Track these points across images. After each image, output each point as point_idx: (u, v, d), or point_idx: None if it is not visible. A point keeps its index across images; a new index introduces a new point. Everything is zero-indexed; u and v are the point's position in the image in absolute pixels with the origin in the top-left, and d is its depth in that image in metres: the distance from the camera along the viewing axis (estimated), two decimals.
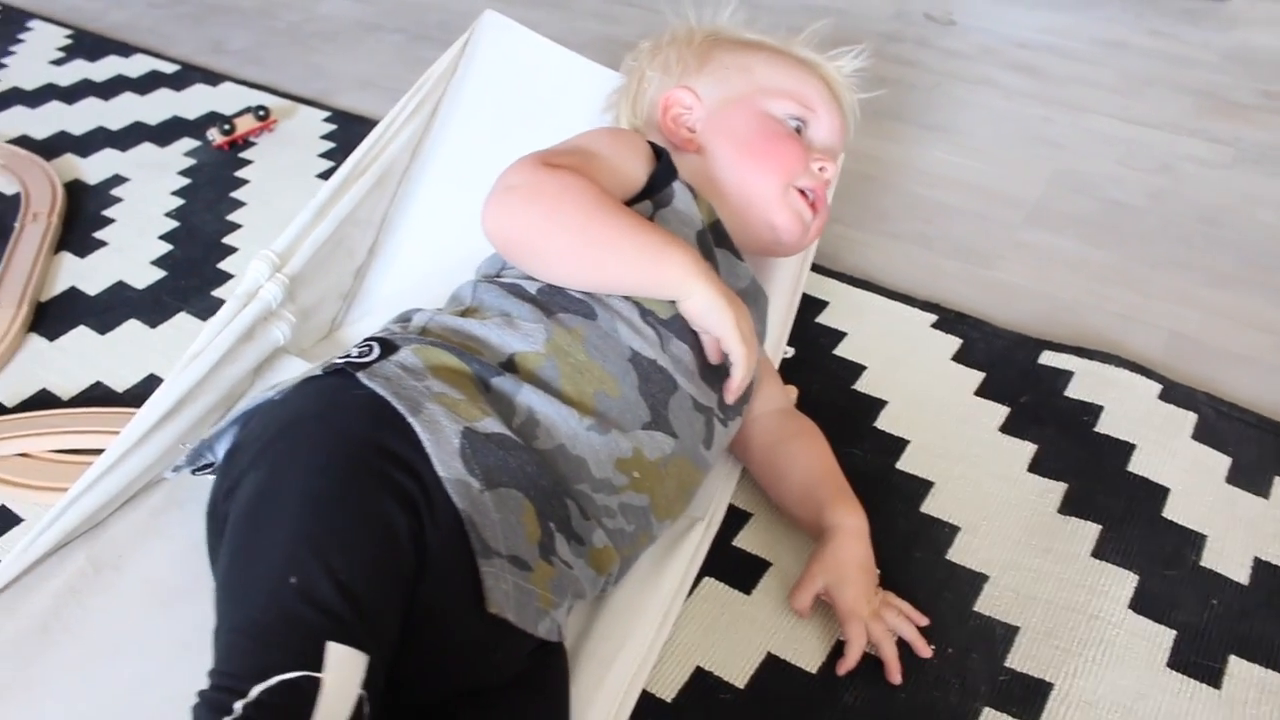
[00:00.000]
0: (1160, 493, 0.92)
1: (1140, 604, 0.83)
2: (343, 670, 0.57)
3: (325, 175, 1.37)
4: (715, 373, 0.82)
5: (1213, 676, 0.78)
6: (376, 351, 0.72)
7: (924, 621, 0.79)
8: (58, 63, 1.70)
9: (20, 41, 1.77)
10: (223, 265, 1.22)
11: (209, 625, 0.71)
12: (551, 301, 0.78)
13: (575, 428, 0.73)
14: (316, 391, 0.71)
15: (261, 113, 1.47)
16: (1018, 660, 0.79)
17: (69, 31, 1.79)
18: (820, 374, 1.05)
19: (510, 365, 0.75)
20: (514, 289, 0.80)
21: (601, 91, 1.07)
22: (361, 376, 0.69)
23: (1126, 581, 0.84)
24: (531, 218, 0.79)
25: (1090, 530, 0.88)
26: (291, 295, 0.93)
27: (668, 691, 0.77)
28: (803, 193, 0.92)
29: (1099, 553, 0.87)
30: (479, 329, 0.76)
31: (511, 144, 1.01)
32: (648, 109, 1.00)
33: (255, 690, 0.55)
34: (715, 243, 0.87)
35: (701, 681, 0.78)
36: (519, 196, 0.79)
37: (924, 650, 0.78)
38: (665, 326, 0.79)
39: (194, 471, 0.78)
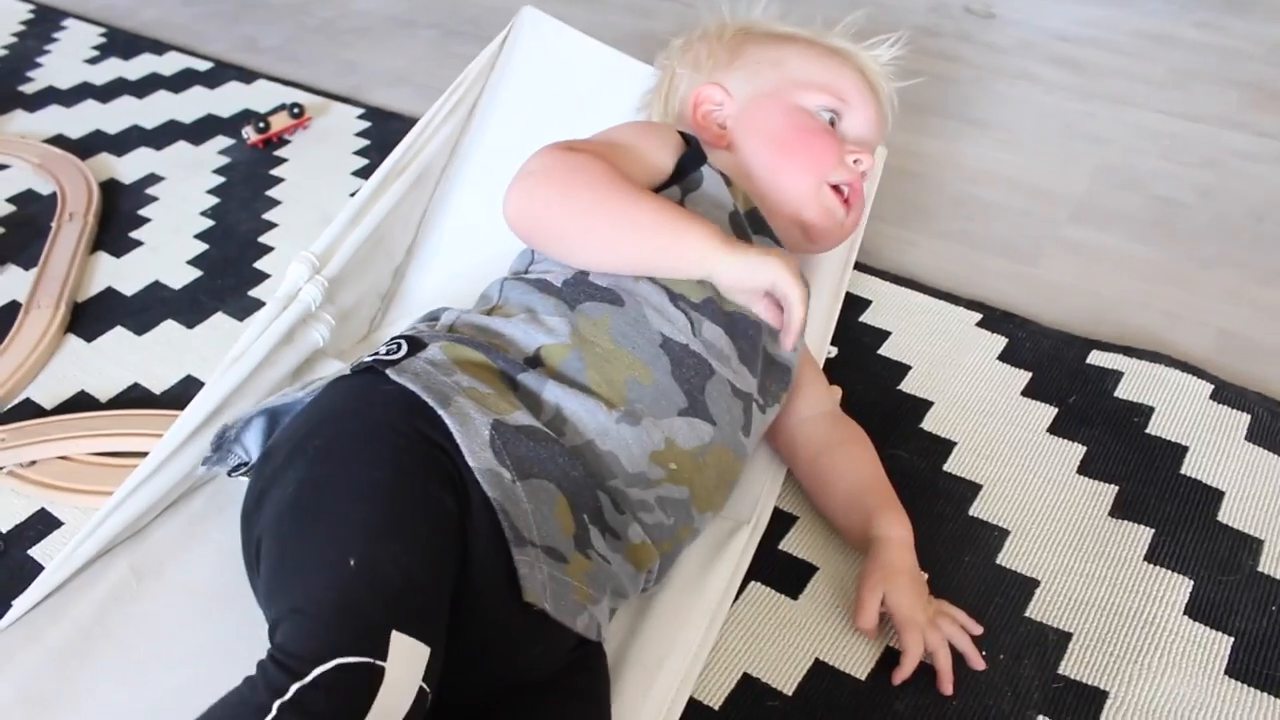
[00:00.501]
0: (1214, 496, 0.89)
1: (1196, 610, 0.81)
2: (406, 661, 0.56)
3: (361, 173, 1.37)
4: (753, 357, 0.80)
5: (1274, 685, 0.76)
6: (404, 349, 0.72)
7: (979, 630, 0.78)
8: (92, 61, 1.70)
9: (55, 40, 1.78)
10: (259, 264, 1.22)
11: (252, 632, 0.71)
12: (577, 293, 0.77)
13: (604, 422, 0.72)
14: (347, 389, 0.71)
15: (296, 110, 1.46)
16: (1071, 667, 0.77)
17: (102, 30, 1.80)
18: (864, 374, 1.03)
19: (535, 361, 0.74)
20: (539, 284, 0.79)
21: (641, 88, 1.06)
22: (390, 373, 0.69)
23: (1181, 587, 0.82)
24: (546, 200, 0.78)
25: (1143, 534, 0.86)
26: (331, 297, 0.93)
27: (715, 699, 0.76)
28: (837, 189, 0.91)
29: (1152, 557, 0.85)
30: (504, 326, 0.76)
31: (550, 141, 1.00)
32: (679, 106, 0.99)
33: (313, 672, 0.53)
34: (753, 229, 0.85)
35: (749, 688, 0.76)
36: (535, 180, 0.79)
37: (978, 663, 0.76)
38: (697, 310, 0.78)
39: (230, 473, 0.78)
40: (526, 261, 0.85)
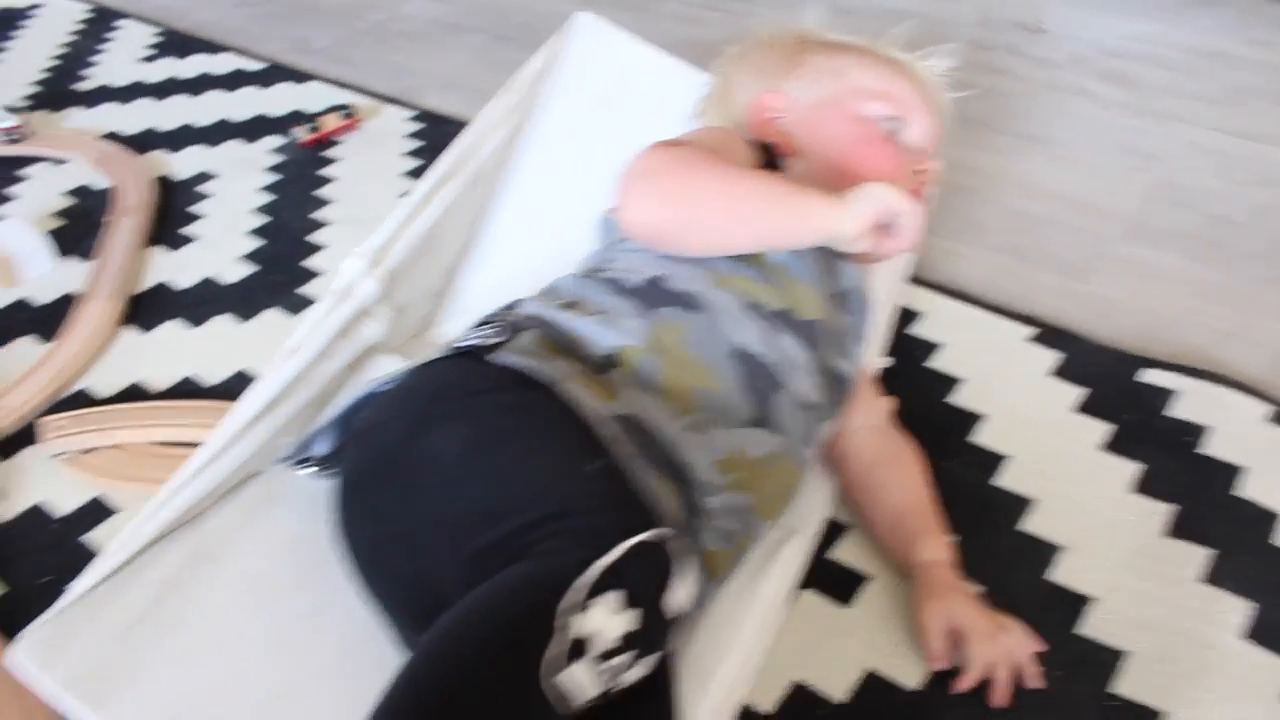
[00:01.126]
0: (1271, 519, 0.88)
1: (1255, 633, 0.79)
2: (677, 543, 0.59)
3: (411, 174, 1.38)
4: (820, 368, 0.80)
5: None
6: (500, 336, 0.73)
7: (1040, 647, 0.77)
8: (148, 60, 1.72)
9: (111, 40, 1.80)
10: (311, 262, 1.23)
11: (307, 619, 0.74)
12: (654, 296, 0.78)
13: (675, 429, 0.72)
14: (452, 367, 0.73)
15: (346, 111, 1.48)
16: (1127, 687, 0.76)
17: (158, 30, 1.82)
18: (915, 386, 1.02)
19: (612, 362, 0.74)
20: (615, 285, 0.79)
21: (696, 94, 1.06)
22: (492, 358, 0.69)
23: (1239, 609, 0.81)
24: (666, 193, 0.79)
25: (1199, 555, 0.85)
26: (386, 293, 0.93)
27: (766, 705, 0.75)
28: None
29: (1209, 578, 0.83)
30: (582, 324, 0.76)
31: (604, 146, 1.00)
32: (738, 113, 0.99)
33: (617, 549, 0.56)
34: None
35: (800, 696, 0.76)
36: (651, 177, 0.79)
37: (1037, 680, 0.75)
38: (772, 320, 0.78)
39: (295, 465, 0.78)
40: (602, 260, 0.85)
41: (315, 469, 0.79)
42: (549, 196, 1.06)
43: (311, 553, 0.78)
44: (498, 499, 0.63)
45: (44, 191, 1.38)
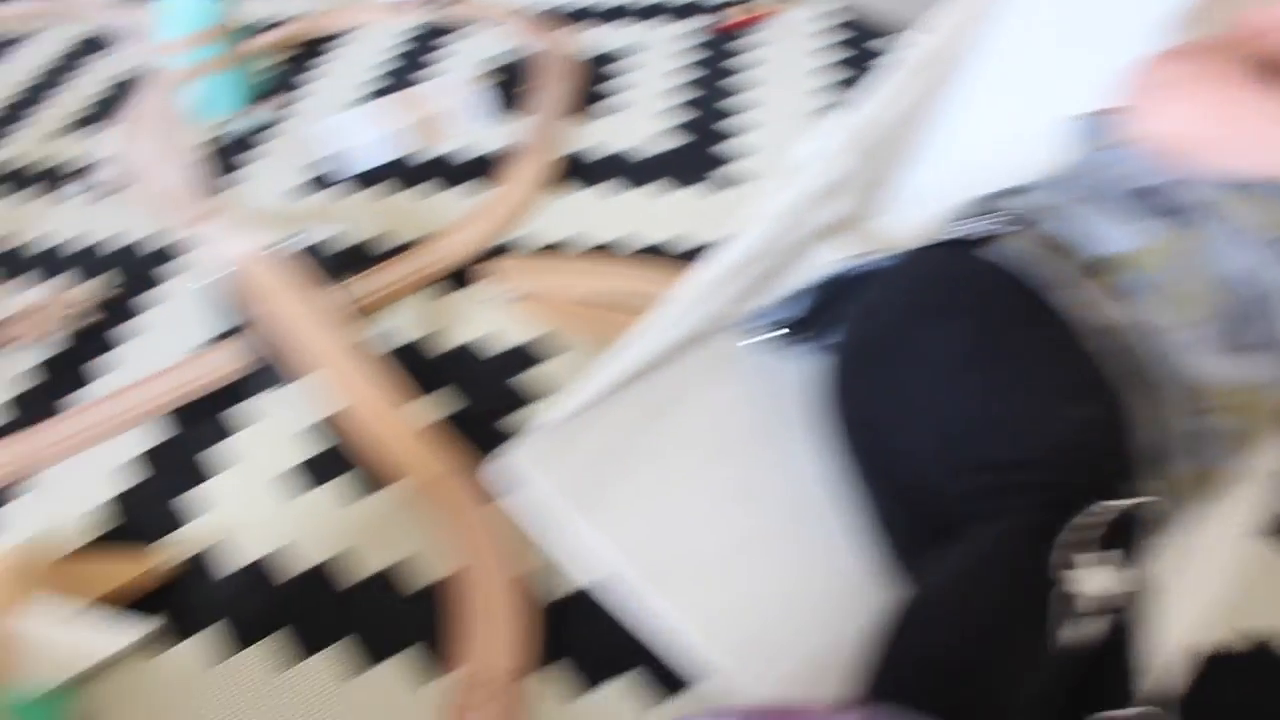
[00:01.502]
0: None
1: None
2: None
3: (827, 68, 1.36)
4: None
5: None
6: (996, 229, 0.72)
7: None
8: None
9: None
10: (731, 144, 1.24)
11: (760, 475, 0.77)
12: (1152, 206, 0.74)
13: (1156, 343, 0.69)
14: (948, 258, 0.73)
15: (764, 1, 1.48)
16: None
17: None
18: None
19: (1102, 267, 0.71)
20: (1111, 191, 0.76)
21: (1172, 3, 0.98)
22: (985, 252, 0.70)
23: None
24: (1202, 109, 0.76)
25: None
26: (854, 174, 0.93)
27: (1220, 648, 0.73)
28: None
29: None
30: (1071, 227, 0.73)
31: (1069, 50, 0.95)
32: (1237, 26, 0.91)
33: (1122, 505, 0.59)
34: None
35: (1256, 643, 0.72)
36: (1183, 91, 0.76)
37: None
38: (1267, 248, 0.72)
39: (762, 330, 0.81)
40: (1093, 164, 0.81)
41: (785, 334, 0.82)
42: (1008, 98, 1.02)
43: (760, 415, 0.80)
44: (994, 419, 0.64)
45: (474, 56, 1.47)
